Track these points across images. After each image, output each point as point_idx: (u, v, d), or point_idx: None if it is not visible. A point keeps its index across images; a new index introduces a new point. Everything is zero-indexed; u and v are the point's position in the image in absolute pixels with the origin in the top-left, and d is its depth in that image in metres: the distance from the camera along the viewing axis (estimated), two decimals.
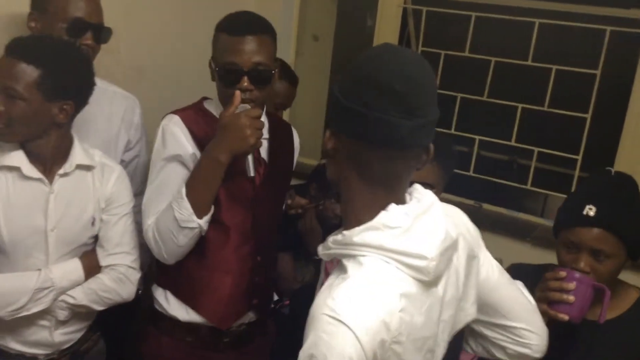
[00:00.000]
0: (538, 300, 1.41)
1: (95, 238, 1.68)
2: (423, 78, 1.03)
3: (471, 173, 2.79)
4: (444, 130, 2.82)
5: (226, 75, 1.62)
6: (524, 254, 2.39)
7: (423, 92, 1.02)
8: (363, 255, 1.04)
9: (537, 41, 2.56)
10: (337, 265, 1.11)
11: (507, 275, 1.31)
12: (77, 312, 1.65)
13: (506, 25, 2.66)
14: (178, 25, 2.49)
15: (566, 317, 1.41)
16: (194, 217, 1.57)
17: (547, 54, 2.58)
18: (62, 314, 1.60)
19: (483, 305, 1.26)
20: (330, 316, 0.97)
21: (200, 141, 1.65)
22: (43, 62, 1.46)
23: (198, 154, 1.64)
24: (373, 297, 1.00)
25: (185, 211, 1.56)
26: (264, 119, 1.72)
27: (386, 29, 2.92)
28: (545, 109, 2.58)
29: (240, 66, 1.59)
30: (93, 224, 1.64)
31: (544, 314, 1.38)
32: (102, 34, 1.80)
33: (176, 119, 1.67)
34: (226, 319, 1.75)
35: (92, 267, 1.63)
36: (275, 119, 1.90)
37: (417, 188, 1.14)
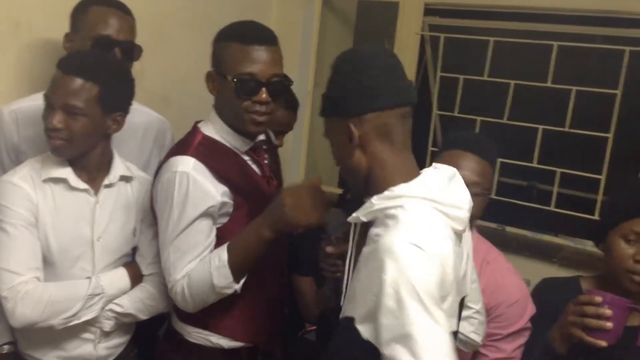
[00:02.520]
0: (572, 324, 1.41)
1: (134, 250, 1.69)
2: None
3: (493, 196, 2.79)
4: None
5: (243, 87, 1.53)
6: (551, 275, 2.38)
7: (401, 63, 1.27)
8: (411, 203, 1.16)
9: (556, 63, 2.60)
10: (376, 225, 1.19)
11: None
12: (120, 325, 1.63)
13: (525, 49, 2.71)
14: (204, 51, 2.52)
15: (604, 344, 1.38)
16: (234, 284, 1.51)
17: (566, 75, 2.63)
18: (108, 324, 1.60)
19: None
20: (408, 244, 1.08)
21: (226, 179, 1.56)
22: (100, 77, 1.50)
23: (227, 194, 1.56)
24: (434, 230, 1.14)
25: (224, 279, 1.50)
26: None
27: (404, 57, 2.96)
28: (566, 129, 2.61)
29: (258, 77, 1.53)
30: (134, 234, 1.66)
31: (578, 339, 1.40)
32: (130, 51, 1.79)
33: (194, 163, 1.52)
34: (265, 339, 1.73)
35: (136, 276, 1.64)
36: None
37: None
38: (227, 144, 1.61)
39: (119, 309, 1.59)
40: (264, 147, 1.70)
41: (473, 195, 1.28)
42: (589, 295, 1.41)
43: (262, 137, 1.70)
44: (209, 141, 1.60)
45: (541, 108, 2.72)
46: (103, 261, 1.59)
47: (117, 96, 1.55)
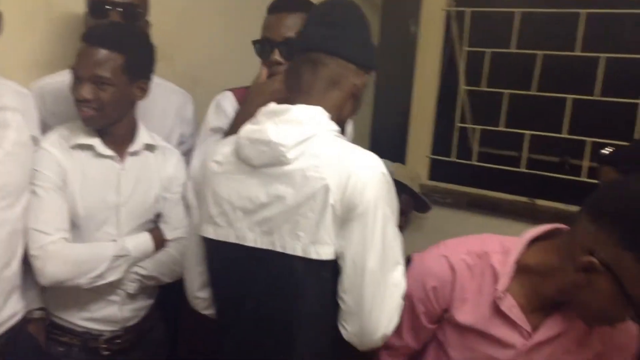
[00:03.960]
0: None
1: (157, 216, 1.74)
2: None
3: (523, 169, 2.76)
4: (493, 128, 2.83)
5: (259, 48, 1.73)
6: None
7: None
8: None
9: (584, 31, 2.55)
10: None
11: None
12: (144, 288, 1.69)
13: (551, 19, 2.67)
14: (232, 34, 2.58)
15: None
16: None
17: (595, 43, 2.57)
18: (133, 287, 1.66)
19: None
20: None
21: None
22: (124, 47, 1.56)
23: None
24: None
25: None
26: None
27: (430, 34, 2.96)
28: (596, 97, 2.55)
29: (272, 40, 1.69)
30: (157, 201, 1.72)
31: None
32: (130, 14, 1.79)
33: (228, 94, 1.81)
34: None
35: (159, 240, 1.69)
36: None
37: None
38: None
39: (143, 272, 1.65)
40: None
41: None
42: None
43: None
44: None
45: (570, 79, 2.67)
46: (127, 226, 1.65)
47: (141, 64, 1.62)
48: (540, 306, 1.30)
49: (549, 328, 1.31)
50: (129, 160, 1.67)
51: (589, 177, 2.63)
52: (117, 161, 1.65)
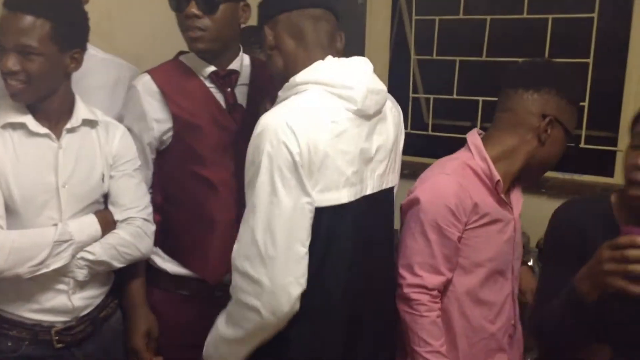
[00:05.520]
0: (608, 273, 1.18)
1: (105, 198, 1.64)
2: None
3: None
4: (446, 97, 2.81)
5: (174, 2, 1.59)
6: (540, 205, 2.36)
7: None
8: (305, 90, 1.32)
9: None
10: None
11: None
12: (96, 275, 1.60)
13: None
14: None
15: None
16: None
17: (540, 5, 2.58)
18: (81, 273, 1.55)
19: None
20: (277, 123, 1.25)
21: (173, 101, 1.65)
22: (52, 12, 1.43)
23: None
24: (309, 110, 1.28)
25: None
26: (246, 61, 1.74)
27: (378, 3, 2.92)
28: (545, 59, 2.55)
29: None
30: (103, 180, 1.61)
31: (619, 290, 1.18)
32: None
33: (145, 80, 1.66)
34: (215, 273, 1.70)
35: (108, 222, 1.59)
36: (260, 63, 1.80)
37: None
38: (192, 68, 1.68)
39: (90, 257, 1.54)
40: (233, 75, 1.70)
41: None
42: (630, 236, 1.17)
43: (234, 66, 1.70)
44: (172, 63, 1.71)
45: (519, 42, 2.67)
46: (71, 209, 1.54)
47: (71, 31, 1.48)
48: (507, 186, 1.61)
49: (515, 201, 1.65)
50: (67, 138, 1.55)
51: None
52: (53, 139, 1.53)
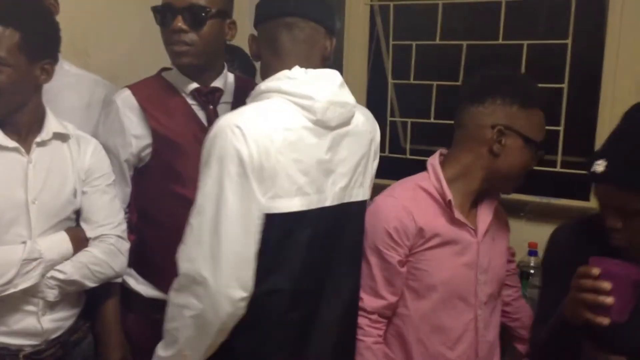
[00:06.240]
0: (575, 301, 1.23)
1: (77, 214, 1.59)
2: None
3: None
4: (424, 121, 2.82)
5: (160, 16, 1.59)
6: (519, 229, 2.37)
7: None
8: (267, 99, 1.34)
9: (506, 20, 2.59)
10: None
11: None
12: (67, 295, 1.54)
13: (474, 9, 2.70)
14: (152, 29, 2.45)
15: (606, 321, 1.20)
16: None
17: (516, 32, 2.61)
18: (52, 294, 1.49)
19: None
20: (229, 126, 1.26)
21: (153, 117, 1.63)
22: (20, 22, 1.40)
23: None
24: (264, 116, 1.29)
25: None
26: (230, 79, 1.73)
27: (356, 29, 2.93)
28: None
29: (174, 6, 1.55)
30: (75, 195, 1.56)
31: (583, 319, 1.22)
32: None
33: (125, 96, 1.65)
34: None
35: (79, 240, 1.54)
36: (244, 82, 1.81)
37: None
38: (174, 85, 1.66)
39: (61, 276, 1.49)
40: (216, 92, 1.68)
41: None
42: (585, 267, 1.22)
43: (218, 83, 1.68)
44: (154, 79, 1.70)
45: (495, 67, 2.69)
46: (41, 226, 1.49)
47: (41, 42, 1.45)
48: (469, 206, 1.58)
49: (482, 221, 1.59)
50: (37, 152, 1.50)
51: None
52: (23, 154, 1.48)
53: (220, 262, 1.25)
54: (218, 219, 1.25)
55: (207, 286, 1.25)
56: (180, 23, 1.54)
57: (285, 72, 1.37)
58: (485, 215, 1.62)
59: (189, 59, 1.58)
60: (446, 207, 1.52)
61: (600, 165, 1.27)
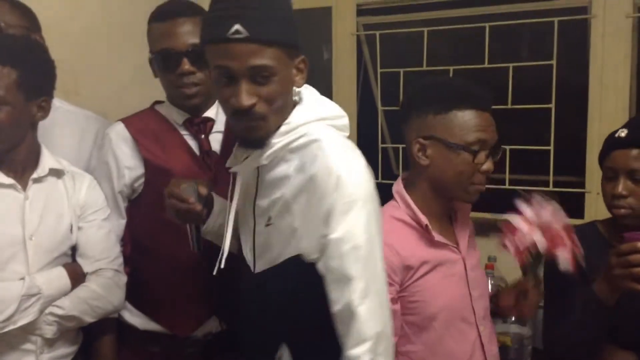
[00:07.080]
0: (620, 277, 1.42)
1: (73, 250, 1.58)
2: None
3: None
4: None
5: (161, 62, 1.58)
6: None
7: None
8: (308, 130, 1.24)
9: (491, 44, 2.63)
10: (278, 165, 1.26)
11: None
12: (65, 333, 1.52)
13: (459, 34, 2.74)
14: (140, 64, 2.47)
15: None
16: None
17: (501, 55, 2.66)
18: (50, 330, 1.47)
19: None
20: (349, 164, 1.20)
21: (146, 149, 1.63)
22: (17, 60, 1.42)
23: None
24: (352, 151, 1.25)
25: None
26: (221, 109, 1.71)
27: (343, 59, 2.97)
28: (509, 106, 2.62)
29: (176, 49, 1.56)
30: (71, 231, 1.56)
31: (632, 290, 1.41)
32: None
33: (119, 129, 1.66)
34: (185, 326, 1.65)
35: (77, 275, 1.53)
36: None
37: None
38: (166, 117, 1.66)
39: (60, 312, 1.47)
40: (208, 122, 1.69)
41: None
42: (632, 243, 1.41)
43: (210, 113, 1.68)
44: (146, 112, 1.71)
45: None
46: (38, 262, 1.48)
47: (38, 80, 1.47)
48: (445, 225, 1.57)
49: (462, 237, 1.59)
50: (33, 188, 1.51)
51: (510, 184, 2.68)
52: (19, 190, 1.49)
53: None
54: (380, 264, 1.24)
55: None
56: (187, 66, 1.55)
57: (304, 100, 1.31)
58: (462, 229, 1.61)
59: (200, 99, 1.62)
60: (425, 231, 1.50)
61: (623, 132, 1.59)
